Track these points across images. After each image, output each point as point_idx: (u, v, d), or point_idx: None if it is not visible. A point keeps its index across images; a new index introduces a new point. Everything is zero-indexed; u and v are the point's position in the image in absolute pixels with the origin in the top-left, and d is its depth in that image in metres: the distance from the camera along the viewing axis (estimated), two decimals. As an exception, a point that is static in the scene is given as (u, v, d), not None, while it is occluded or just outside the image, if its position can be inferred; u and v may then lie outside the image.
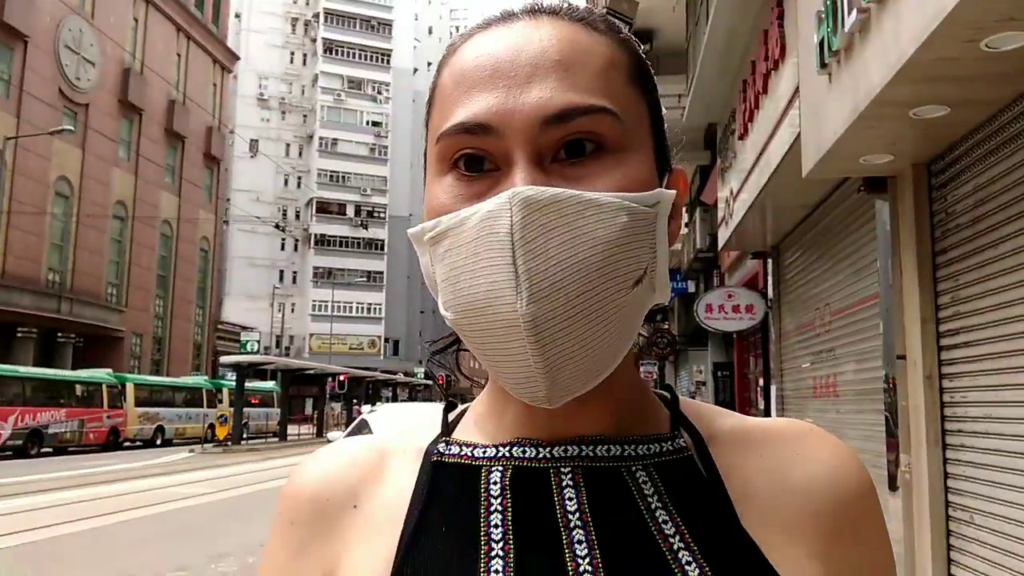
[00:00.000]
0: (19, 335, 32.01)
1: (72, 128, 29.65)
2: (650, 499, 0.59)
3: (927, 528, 4.99)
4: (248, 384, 35.36)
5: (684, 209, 0.62)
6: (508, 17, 0.61)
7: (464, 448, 0.64)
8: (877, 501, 0.64)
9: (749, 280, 11.21)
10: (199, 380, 36.79)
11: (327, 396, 40.70)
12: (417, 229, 0.60)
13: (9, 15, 31.66)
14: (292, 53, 78.45)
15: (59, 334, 34.65)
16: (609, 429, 0.62)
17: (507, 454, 0.62)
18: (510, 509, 0.59)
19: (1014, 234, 4.30)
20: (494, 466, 0.62)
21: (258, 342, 30.02)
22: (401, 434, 0.69)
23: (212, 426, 32.63)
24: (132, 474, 18.83)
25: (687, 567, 0.56)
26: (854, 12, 4.31)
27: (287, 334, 67.18)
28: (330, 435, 15.68)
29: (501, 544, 0.57)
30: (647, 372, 25.81)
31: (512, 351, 0.54)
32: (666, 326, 19.71)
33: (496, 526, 0.58)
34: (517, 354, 0.54)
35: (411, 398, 51.50)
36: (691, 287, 18.14)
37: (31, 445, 24.36)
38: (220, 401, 35.03)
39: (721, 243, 10.44)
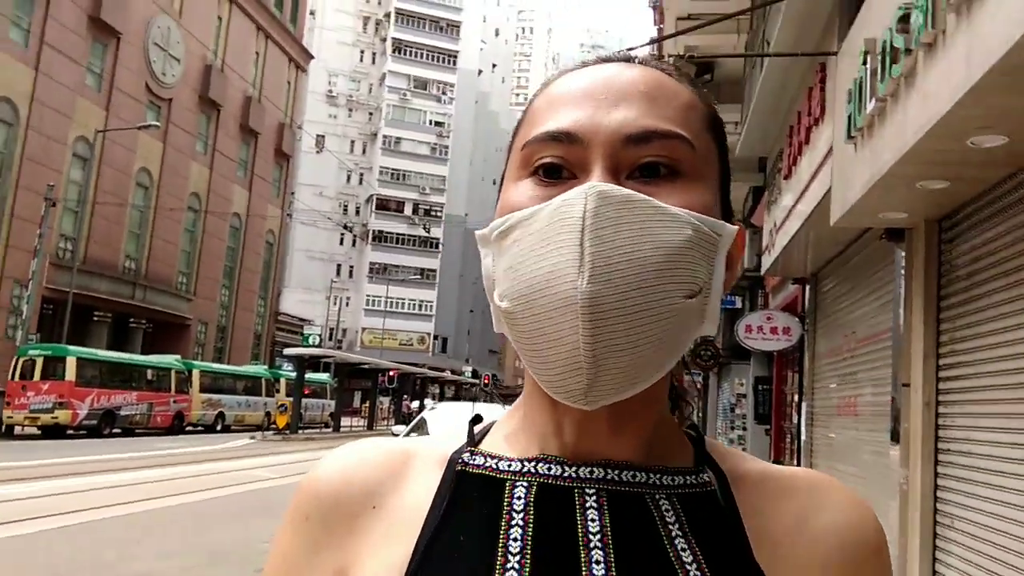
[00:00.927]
0: (95, 319, 33.88)
1: (158, 124, 31.36)
2: (671, 527, 0.60)
3: (918, 531, 5.86)
4: (314, 376, 37.12)
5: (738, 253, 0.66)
6: (602, 60, 0.66)
7: (490, 460, 0.64)
8: (888, 557, 0.66)
9: (790, 303, 12.02)
10: (259, 369, 38.49)
11: (377, 390, 42.22)
12: (485, 230, 0.62)
13: (106, 13, 33.70)
14: (362, 51, 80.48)
15: (131, 320, 36.59)
16: (636, 456, 0.63)
17: (533, 470, 0.62)
18: (531, 525, 0.59)
19: (1004, 287, 5.15)
20: (519, 481, 0.62)
21: (319, 336, 31.24)
22: (427, 441, 0.69)
23: (268, 414, 34.32)
24: (203, 457, 20.22)
25: None
26: (874, 100, 5.23)
27: (340, 327, 69.24)
28: (394, 428, 16.79)
29: (518, 558, 0.58)
30: (690, 383, 26.60)
31: (563, 333, 0.54)
32: (712, 343, 20.59)
33: (515, 540, 0.59)
34: (566, 338, 0.54)
35: (456, 396, 52.69)
36: (738, 303, 18.92)
37: (104, 425, 25.94)
38: (278, 391, 36.67)
39: (764, 269, 11.29)
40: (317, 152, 63.59)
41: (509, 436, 0.67)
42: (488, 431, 0.70)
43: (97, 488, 12.83)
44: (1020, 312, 4.86)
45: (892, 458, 6.45)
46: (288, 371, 37.84)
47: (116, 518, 10.59)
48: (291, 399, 32.18)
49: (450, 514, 0.62)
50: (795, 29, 8.04)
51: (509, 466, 0.63)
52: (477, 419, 0.71)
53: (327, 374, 41.16)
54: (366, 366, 39.27)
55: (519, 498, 0.61)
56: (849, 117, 5.82)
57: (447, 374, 58.84)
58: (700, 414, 28.13)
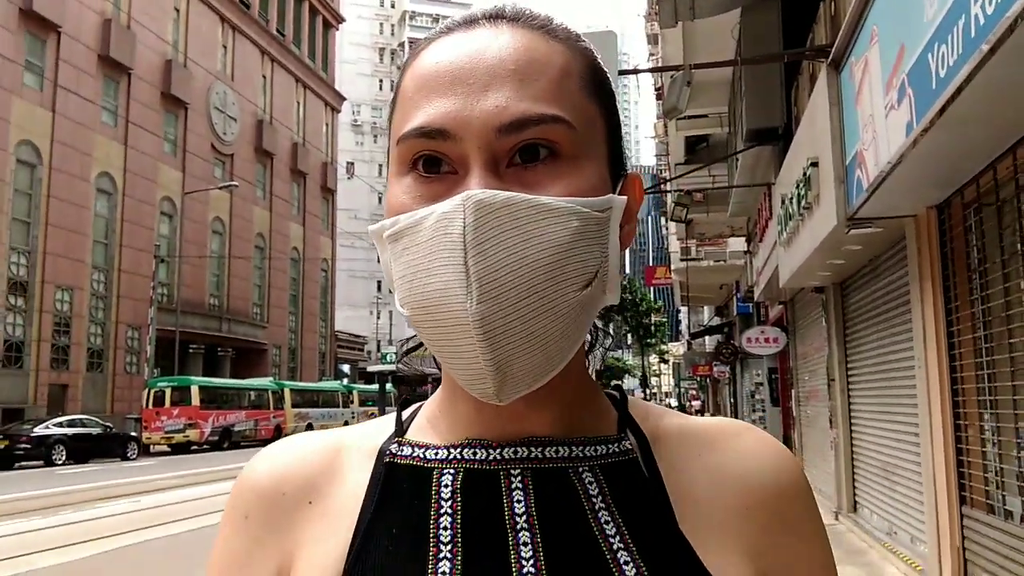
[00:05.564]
0: (191, 351, 38.90)
1: (236, 183, 36.20)
2: (595, 500, 0.61)
3: (843, 469, 10.22)
4: (367, 387, 41.92)
5: (638, 215, 0.67)
6: (470, 22, 0.63)
7: (416, 449, 0.65)
8: (811, 497, 0.67)
9: (779, 317, 16.35)
10: (335, 384, 43.52)
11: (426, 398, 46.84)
12: (377, 227, 0.61)
13: (175, 88, 38.63)
14: (381, 80, 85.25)
15: (219, 349, 41.71)
16: (558, 429, 0.64)
17: (459, 456, 0.63)
18: (460, 512, 0.60)
19: (873, 322, 9.37)
20: (446, 468, 0.63)
21: (395, 354, 35.94)
22: (356, 432, 0.70)
23: (346, 422, 39.08)
24: None
25: (625, 567, 0.58)
26: (794, 217, 9.50)
27: (384, 339, 73.99)
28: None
29: (449, 547, 0.59)
30: (720, 371, 30.82)
31: (463, 349, 0.55)
32: (732, 341, 24.84)
33: (445, 528, 0.60)
34: (467, 352, 0.55)
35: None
36: (751, 308, 23.20)
37: (223, 440, 30.94)
38: (351, 401, 41.49)
39: (756, 295, 15.67)
40: (348, 178, 68.45)
41: (434, 421, 0.68)
42: (414, 416, 0.70)
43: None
44: (884, 335, 9.13)
45: (830, 423, 10.84)
46: (356, 385, 42.76)
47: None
48: (373, 406, 36.93)
49: (381, 507, 0.62)
50: (751, 158, 12.36)
51: (436, 454, 0.64)
52: (405, 404, 0.72)
53: (389, 384, 46.00)
54: (402, 374, 43.34)
55: (446, 486, 0.62)
56: (780, 223, 10.17)
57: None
58: (731, 398, 32.23)
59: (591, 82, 0.63)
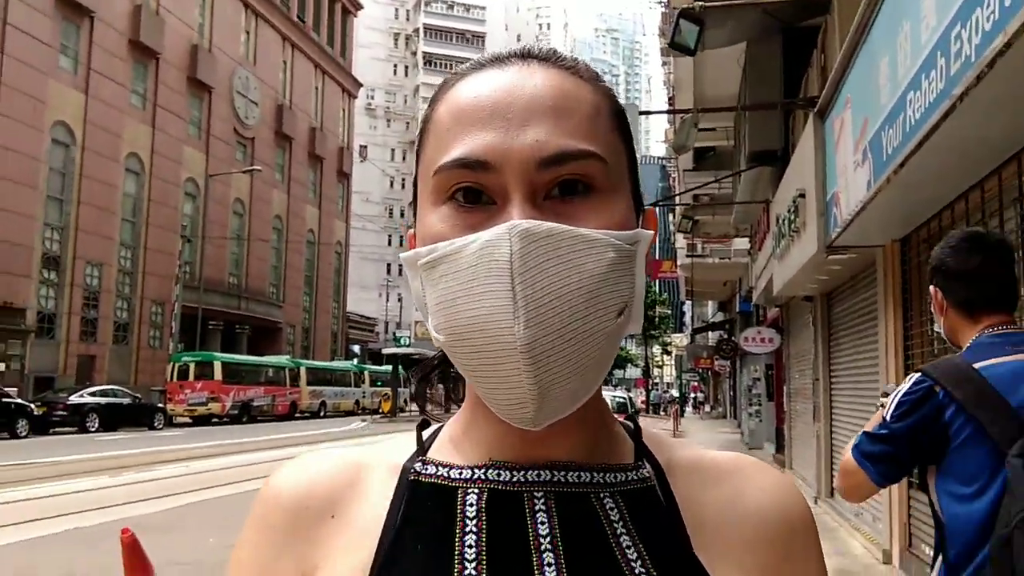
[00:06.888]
0: (210, 327, 40.26)
1: (259, 168, 37.49)
2: (616, 525, 0.63)
3: (823, 459, 11.50)
4: (377, 367, 43.50)
5: (655, 245, 0.69)
6: (501, 60, 0.64)
7: (441, 468, 0.66)
8: (816, 532, 0.70)
9: (775, 318, 17.61)
10: (347, 364, 44.89)
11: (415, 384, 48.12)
12: (411, 254, 0.62)
13: (201, 72, 39.84)
14: (395, 66, 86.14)
15: (237, 326, 43.15)
16: (579, 455, 0.65)
17: (483, 476, 0.64)
18: (484, 531, 0.61)
19: (852, 330, 10.61)
20: (470, 488, 0.64)
21: (409, 337, 37.39)
22: (377, 450, 0.71)
23: (357, 402, 40.49)
24: (342, 436, 25.35)
25: None
26: (786, 236, 10.72)
27: (392, 321, 75.45)
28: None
29: (474, 564, 0.59)
30: (721, 365, 32.05)
31: (505, 374, 0.56)
32: (732, 338, 26.07)
33: (470, 547, 0.60)
34: (510, 377, 0.56)
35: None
36: (750, 308, 24.40)
37: (243, 414, 32.35)
38: (363, 382, 42.91)
39: (754, 298, 16.92)
40: (361, 161, 69.66)
41: (457, 442, 0.68)
42: (435, 436, 0.71)
43: (264, 463, 15.55)
44: (859, 342, 10.37)
45: (814, 415, 12.13)
46: (368, 365, 44.31)
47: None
48: (383, 387, 38.66)
49: (406, 524, 0.63)
50: (754, 175, 13.58)
51: (460, 474, 0.65)
52: (425, 424, 0.73)
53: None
54: (416, 356, 44.22)
55: (471, 505, 0.63)
56: (774, 240, 11.41)
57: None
58: (731, 391, 33.38)
59: (617, 121, 0.66)
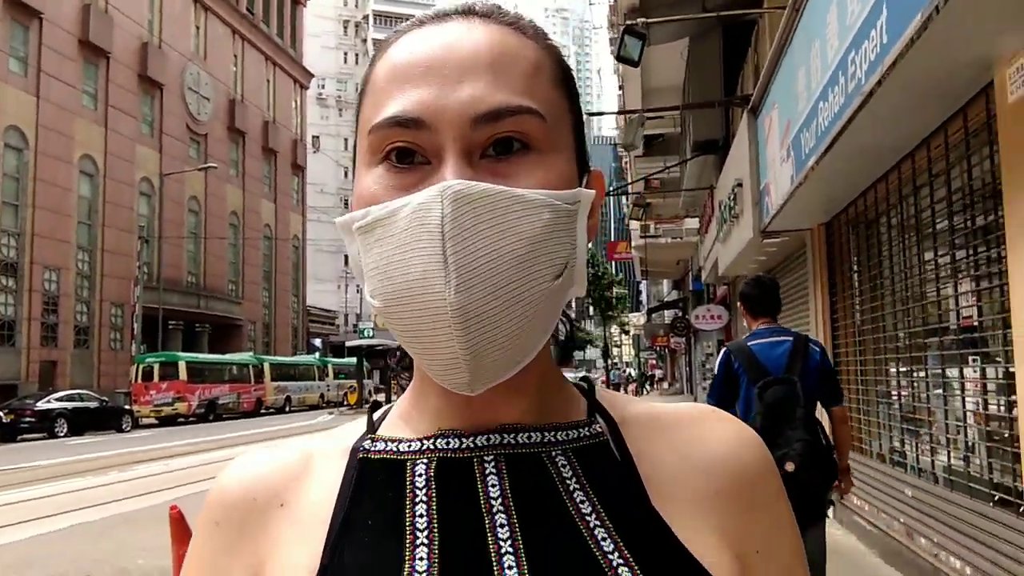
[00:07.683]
0: (170, 327, 40.17)
1: (215, 165, 37.51)
2: (568, 482, 0.62)
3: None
4: (340, 360, 43.87)
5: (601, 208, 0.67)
6: (441, 17, 0.63)
7: (389, 443, 0.65)
8: (777, 478, 0.68)
9: (724, 295, 18.57)
10: (310, 359, 45.22)
11: (392, 369, 48.37)
12: (346, 218, 0.61)
13: (152, 70, 39.63)
14: (345, 54, 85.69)
15: (197, 325, 43.09)
16: (529, 417, 0.64)
17: (432, 446, 0.63)
18: (435, 499, 0.61)
19: (786, 318, 11.50)
20: (419, 459, 0.63)
21: (373, 329, 37.66)
22: (327, 436, 0.70)
23: (322, 395, 40.84)
24: (315, 428, 25.51)
25: (603, 543, 0.59)
26: (728, 221, 11.56)
27: (352, 312, 75.55)
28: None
29: (426, 533, 0.59)
30: (676, 342, 33.11)
31: (438, 338, 0.56)
32: (685, 316, 27.09)
33: (421, 516, 0.60)
34: (443, 341, 0.55)
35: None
36: (702, 286, 25.41)
37: (209, 413, 32.51)
38: (327, 375, 43.24)
39: (703, 277, 17.85)
40: (314, 152, 69.46)
41: (407, 417, 0.68)
42: (386, 416, 0.70)
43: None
44: (795, 317, 11.25)
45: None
46: (330, 359, 44.66)
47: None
48: (346, 379, 38.87)
49: (357, 501, 0.62)
50: (699, 162, 14.44)
51: (409, 446, 0.64)
52: (375, 406, 0.72)
53: (354, 358, 47.60)
54: (380, 347, 44.98)
55: (420, 475, 0.62)
56: (718, 223, 12.27)
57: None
58: (687, 367, 34.52)
59: (560, 78, 0.64)
